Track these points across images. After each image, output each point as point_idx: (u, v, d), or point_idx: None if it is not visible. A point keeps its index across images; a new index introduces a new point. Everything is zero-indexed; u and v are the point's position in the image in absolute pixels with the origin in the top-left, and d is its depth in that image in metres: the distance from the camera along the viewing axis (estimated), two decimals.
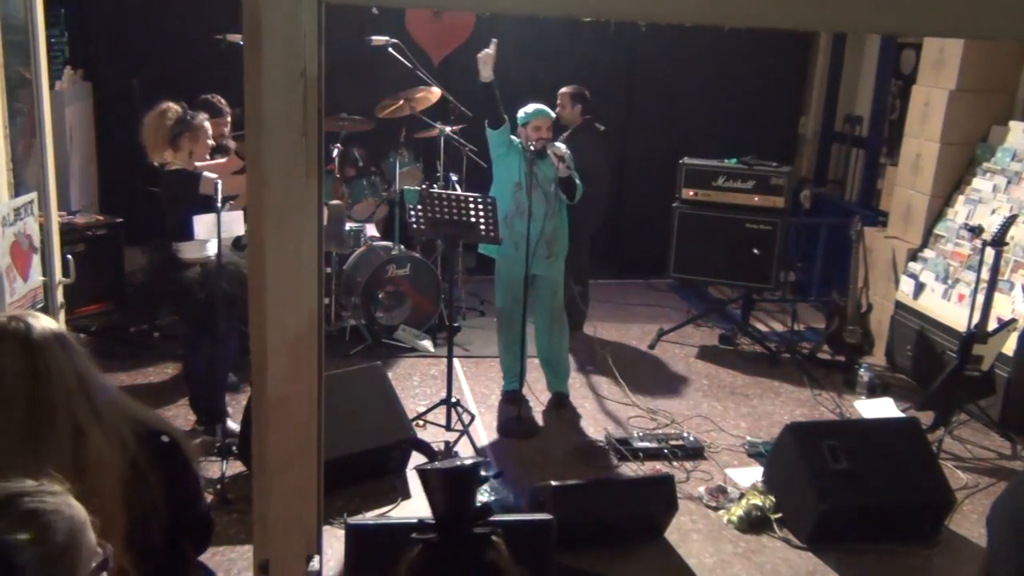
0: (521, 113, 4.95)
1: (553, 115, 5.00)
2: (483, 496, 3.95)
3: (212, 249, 4.27)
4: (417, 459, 4.38)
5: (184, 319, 4.67)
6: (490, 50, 4.75)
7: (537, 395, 5.33)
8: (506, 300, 5.08)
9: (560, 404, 5.23)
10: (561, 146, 4.92)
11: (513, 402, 5.05)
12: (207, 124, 4.39)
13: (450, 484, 1.55)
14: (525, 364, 5.08)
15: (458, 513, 1.53)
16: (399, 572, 1.51)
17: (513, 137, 4.98)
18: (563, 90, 6.18)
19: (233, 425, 4.53)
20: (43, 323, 1.81)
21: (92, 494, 1.71)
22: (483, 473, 3.91)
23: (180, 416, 4.72)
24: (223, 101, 5.20)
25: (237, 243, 4.53)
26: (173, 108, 4.30)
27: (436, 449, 4.49)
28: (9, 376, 1.74)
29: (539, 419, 5.07)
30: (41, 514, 1.31)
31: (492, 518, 1.56)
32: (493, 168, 5.12)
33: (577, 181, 4.95)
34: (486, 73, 4.76)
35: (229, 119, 5.30)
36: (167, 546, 1.91)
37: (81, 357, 1.84)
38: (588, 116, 6.15)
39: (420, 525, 1.55)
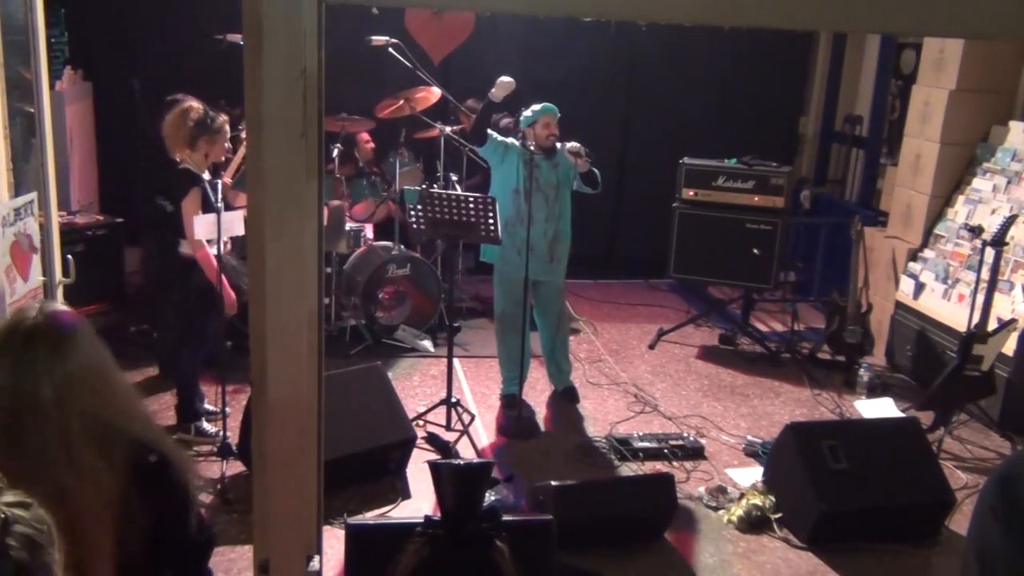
0: (528, 112, 4.93)
1: (558, 113, 4.93)
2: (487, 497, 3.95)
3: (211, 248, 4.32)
4: (417, 459, 4.39)
5: (178, 312, 4.69)
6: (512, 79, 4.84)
7: (537, 396, 5.33)
8: (507, 304, 5.07)
9: (571, 397, 5.29)
10: (574, 144, 4.86)
11: (512, 406, 5.06)
12: (227, 128, 4.48)
13: (461, 481, 1.55)
14: (527, 367, 5.11)
15: (466, 511, 1.52)
16: (401, 566, 1.51)
17: (510, 139, 4.98)
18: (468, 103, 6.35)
19: (207, 426, 4.59)
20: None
21: (80, 509, 1.64)
22: (494, 475, 3.93)
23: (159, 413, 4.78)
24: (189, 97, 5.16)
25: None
26: (196, 108, 4.37)
27: (451, 445, 4.51)
28: (46, 383, 1.69)
29: (539, 420, 5.07)
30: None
31: (499, 522, 1.55)
32: (492, 176, 5.12)
33: (595, 170, 4.93)
34: (500, 95, 4.79)
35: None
36: (151, 570, 1.81)
37: (96, 354, 1.79)
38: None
39: (427, 522, 1.54)
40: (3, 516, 1.20)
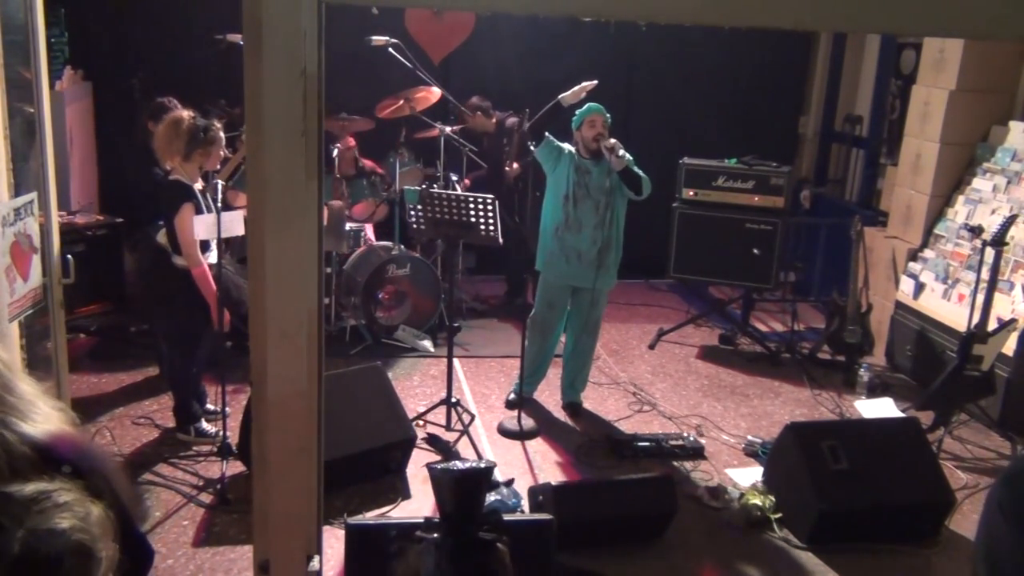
0: (575, 114, 4.82)
1: (606, 112, 4.81)
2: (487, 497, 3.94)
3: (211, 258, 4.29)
4: (417, 459, 4.39)
5: (172, 322, 4.65)
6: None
7: (538, 395, 5.33)
8: (541, 308, 5.04)
9: (576, 412, 5.18)
10: (610, 140, 4.71)
11: (515, 405, 5.05)
12: (221, 134, 4.38)
13: (460, 485, 1.55)
14: (542, 373, 5.11)
15: (465, 515, 1.52)
16: (401, 568, 1.51)
17: (566, 145, 4.87)
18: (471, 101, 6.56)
19: (207, 426, 4.59)
20: None
21: None
22: (494, 479, 3.93)
23: (159, 413, 4.81)
24: (175, 102, 5.12)
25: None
26: (185, 119, 4.25)
27: (452, 446, 4.51)
28: None
29: (540, 420, 5.06)
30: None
31: (499, 524, 1.55)
32: (546, 182, 4.99)
33: (640, 174, 4.76)
34: (572, 99, 4.74)
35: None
36: None
37: None
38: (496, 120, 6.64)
39: (426, 524, 1.55)
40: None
